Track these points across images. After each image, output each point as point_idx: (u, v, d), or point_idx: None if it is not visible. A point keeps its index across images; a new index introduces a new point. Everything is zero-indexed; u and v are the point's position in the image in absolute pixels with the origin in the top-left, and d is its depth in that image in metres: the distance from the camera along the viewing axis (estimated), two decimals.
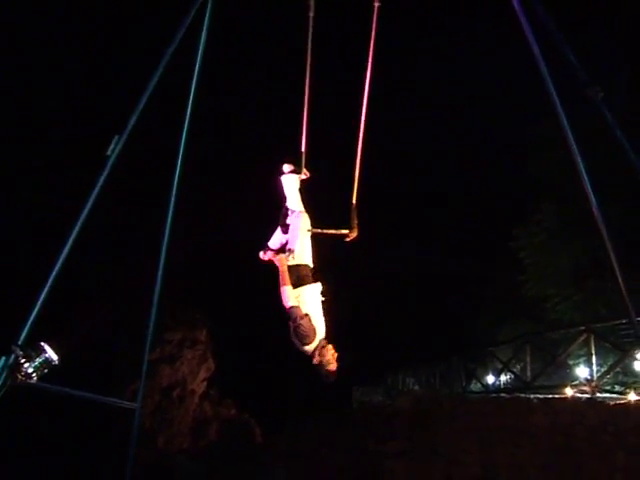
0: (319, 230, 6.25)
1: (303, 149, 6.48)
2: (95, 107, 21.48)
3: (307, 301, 5.82)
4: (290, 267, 5.96)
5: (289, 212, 6.39)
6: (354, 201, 6.30)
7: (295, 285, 5.86)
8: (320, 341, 5.72)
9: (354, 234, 6.25)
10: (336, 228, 6.29)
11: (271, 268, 6.12)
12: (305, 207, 6.41)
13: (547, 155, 18.09)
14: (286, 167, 6.49)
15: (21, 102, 20.73)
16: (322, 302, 5.97)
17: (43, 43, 20.69)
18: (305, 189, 6.52)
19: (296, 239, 6.11)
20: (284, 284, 5.83)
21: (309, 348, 5.69)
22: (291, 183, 6.43)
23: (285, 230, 6.30)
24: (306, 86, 6.40)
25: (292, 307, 5.73)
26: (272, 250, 6.27)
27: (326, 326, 5.93)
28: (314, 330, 5.68)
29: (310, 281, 5.96)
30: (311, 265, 6.11)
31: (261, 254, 6.27)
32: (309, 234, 6.19)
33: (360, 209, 6.34)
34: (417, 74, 23.45)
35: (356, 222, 6.27)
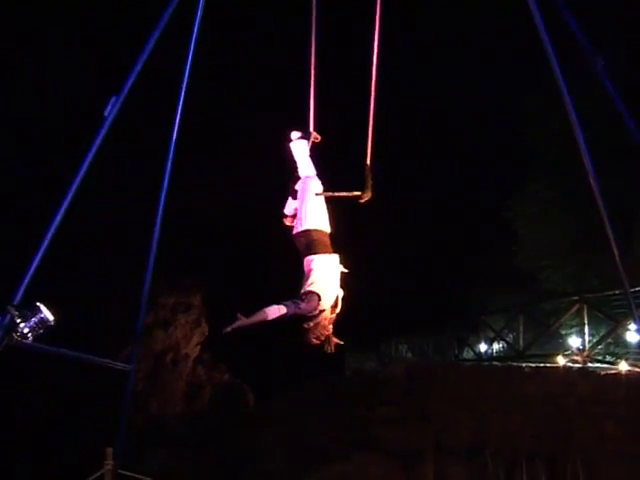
0: (330, 193, 6.15)
1: (312, 113, 6.48)
2: (93, 68, 21.29)
3: (319, 271, 5.65)
4: (300, 232, 5.90)
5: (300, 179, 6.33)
6: (368, 162, 6.16)
7: (306, 253, 5.76)
8: (321, 316, 5.54)
9: (368, 195, 6.10)
10: (348, 190, 6.14)
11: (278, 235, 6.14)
12: (319, 172, 6.34)
13: (544, 125, 18.00)
14: (294, 134, 6.46)
15: (17, 66, 20.55)
16: (342, 273, 5.84)
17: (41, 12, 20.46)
18: (317, 154, 6.46)
19: (303, 203, 6.04)
20: (264, 318, 5.28)
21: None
22: (300, 149, 6.38)
23: (295, 196, 6.24)
24: (312, 51, 6.39)
25: (285, 314, 5.37)
26: (288, 216, 6.24)
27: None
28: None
29: (323, 250, 5.80)
30: (327, 230, 6.00)
31: (285, 222, 6.24)
32: (320, 198, 6.08)
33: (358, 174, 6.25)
34: (411, 40, 23.16)
35: (371, 183, 6.10)
